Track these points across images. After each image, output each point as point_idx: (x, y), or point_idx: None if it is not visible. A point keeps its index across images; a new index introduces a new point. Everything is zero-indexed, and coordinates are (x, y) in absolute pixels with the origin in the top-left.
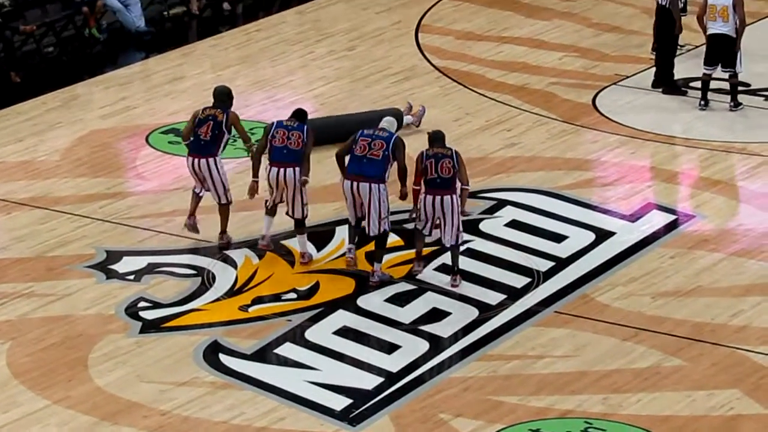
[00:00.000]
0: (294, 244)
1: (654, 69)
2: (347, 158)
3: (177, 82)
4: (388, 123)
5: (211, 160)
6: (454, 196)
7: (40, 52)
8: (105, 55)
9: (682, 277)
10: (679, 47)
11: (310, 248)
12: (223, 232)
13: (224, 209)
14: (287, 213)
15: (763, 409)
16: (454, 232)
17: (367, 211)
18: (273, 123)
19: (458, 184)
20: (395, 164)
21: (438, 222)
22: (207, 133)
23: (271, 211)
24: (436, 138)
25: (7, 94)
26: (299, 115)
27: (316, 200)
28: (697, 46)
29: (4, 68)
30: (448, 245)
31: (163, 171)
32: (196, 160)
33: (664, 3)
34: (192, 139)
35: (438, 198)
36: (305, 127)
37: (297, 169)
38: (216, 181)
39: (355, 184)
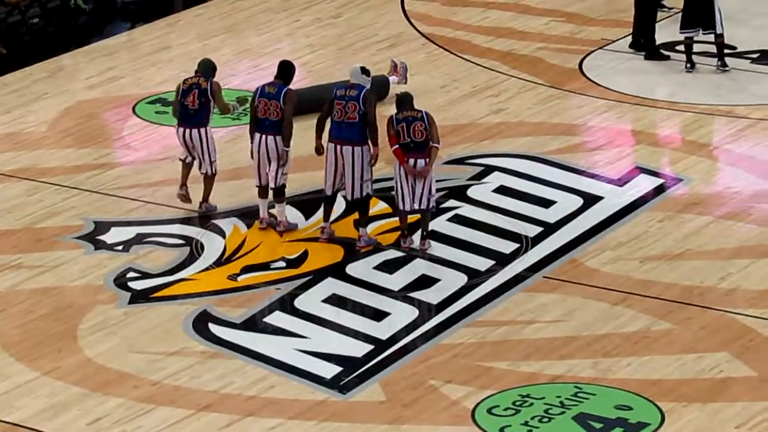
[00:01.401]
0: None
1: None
2: (328, 122)
3: (163, 51)
4: (354, 75)
5: (202, 130)
6: (428, 160)
7: (26, 24)
8: (91, 25)
9: (670, 240)
10: (667, 9)
11: (299, 218)
12: (205, 201)
13: (209, 180)
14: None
15: (752, 371)
16: (426, 195)
17: (349, 175)
18: (257, 89)
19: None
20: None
21: (412, 187)
22: (194, 102)
23: (263, 193)
24: (405, 100)
25: None
26: (282, 71)
27: (302, 169)
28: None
29: None
30: (419, 208)
31: (150, 141)
32: (187, 130)
33: None
34: (180, 109)
35: (411, 161)
36: (283, 93)
37: (278, 137)
38: (205, 151)
39: (339, 147)
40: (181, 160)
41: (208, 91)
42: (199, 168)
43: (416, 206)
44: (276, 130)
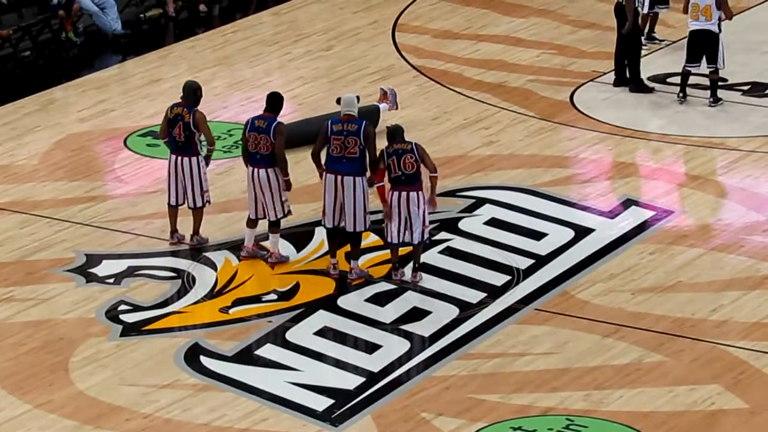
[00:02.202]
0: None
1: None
2: (323, 154)
3: (154, 84)
4: (347, 104)
5: (193, 159)
6: (420, 193)
7: (17, 56)
8: (82, 58)
9: (661, 272)
10: (659, 41)
11: (290, 250)
12: (195, 233)
13: (198, 212)
14: (266, 217)
15: (744, 404)
16: (420, 229)
17: (350, 206)
18: (247, 122)
19: (424, 179)
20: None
21: (405, 220)
22: (180, 135)
23: (251, 224)
24: (395, 133)
25: None
26: (271, 103)
27: (294, 201)
28: (674, 42)
29: None
30: (415, 242)
31: (141, 174)
32: (179, 158)
33: (621, 1)
34: (170, 138)
35: (404, 194)
36: (273, 126)
37: (269, 170)
38: (195, 181)
39: (339, 177)
40: (169, 205)
41: (191, 124)
42: (187, 204)
43: (407, 239)
44: (267, 163)
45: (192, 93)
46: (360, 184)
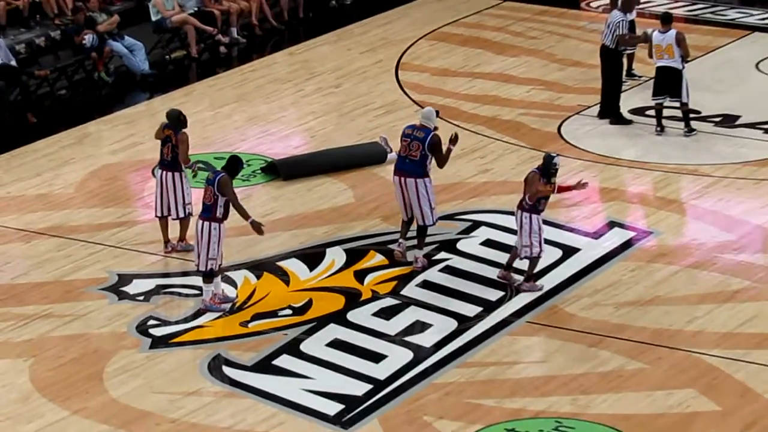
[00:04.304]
0: (288, 265)
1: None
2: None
3: None
4: (424, 115)
5: (176, 174)
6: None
7: (54, 95)
8: (113, 96)
9: (641, 288)
10: (637, 78)
11: (302, 268)
12: (181, 240)
13: (184, 221)
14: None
15: (717, 406)
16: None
17: (416, 203)
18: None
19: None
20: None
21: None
22: (168, 154)
23: (218, 272)
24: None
25: (24, 133)
26: (228, 163)
27: (306, 225)
28: (651, 78)
29: (21, 110)
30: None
31: None
32: (164, 173)
33: (608, 44)
34: (160, 155)
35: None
36: (216, 179)
37: (207, 224)
38: (178, 194)
39: (402, 179)
40: (157, 216)
41: (176, 145)
42: (171, 216)
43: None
44: (205, 214)
45: (174, 120)
46: (422, 185)
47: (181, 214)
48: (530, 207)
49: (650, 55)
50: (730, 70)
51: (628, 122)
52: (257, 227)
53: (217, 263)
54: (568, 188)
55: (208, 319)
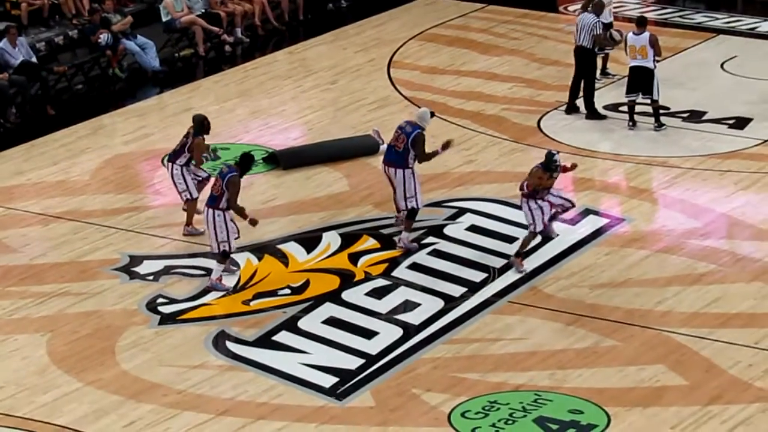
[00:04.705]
0: (287, 248)
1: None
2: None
3: (187, 112)
4: (418, 115)
5: (175, 166)
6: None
7: (71, 89)
8: (126, 90)
9: (614, 271)
10: (611, 76)
11: (300, 251)
12: (187, 225)
13: (190, 205)
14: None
15: (684, 381)
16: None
17: (400, 190)
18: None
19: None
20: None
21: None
22: (180, 145)
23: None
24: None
25: (44, 125)
26: (240, 161)
27: (304, 211)
28: (625, 77)
29: (41, 103)
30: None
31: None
32: (169, 164)
33: (581, 43)
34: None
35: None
36: (227, 178)
37: (212, 211)
38: (178, 184)
39: (387, 167)
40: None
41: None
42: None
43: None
44: (211, 203)
45: (198, 124)
46: (401, 174)
47: (189, 197)
48: (528, 194)
49: (626, 52)
50: (697, 69)
51: (603, 117)
52: (253, 222)
53: (228, 245)
54: (565, 169)
55: (213, 297)
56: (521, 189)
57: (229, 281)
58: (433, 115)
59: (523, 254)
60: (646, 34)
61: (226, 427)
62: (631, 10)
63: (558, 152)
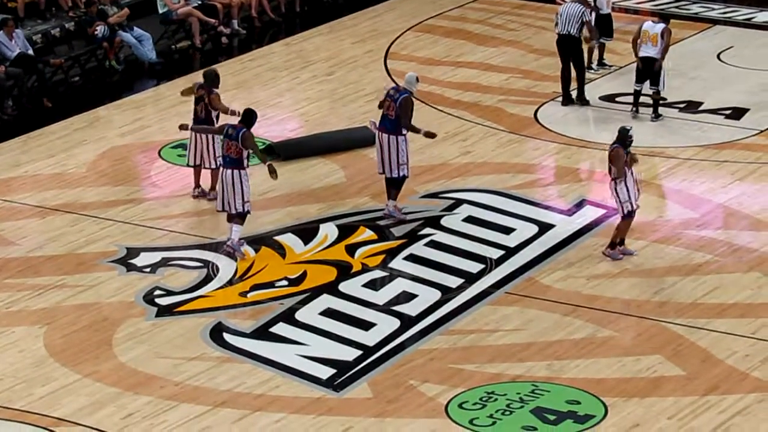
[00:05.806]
0: (285, 239)
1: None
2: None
3: (184, 104)
4: (406, 81)
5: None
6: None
7: (68, 82)
8: (122, 83)
9: (611, 261)
10: (608, 67)
11: (297, 242)
12: (213, 188)
13: (215, 171)
14: (226, 209)
15: (681, 371)
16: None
17: (387, 157)
18: (223, 129)
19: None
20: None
21: None
22: (202, 111)
23: (227, 218)
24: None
25: (40, 117)
26: (244, 117)
27: (301, 202)
28: (621, 67)
29: (37, 95)
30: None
31: (173, 180)
32: (192, 133)
33: (568, 32)
34: (193, 115)
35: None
36: (240, 133)
37: (234, 171)
38: (210, 147)
39: (379, 134)
40: (189, 165)
41: (209, 104)
42: (204, 165)
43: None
44: (233, 164)
45: (213, 77)
46: (394, 141)
47: (213, 165)
48: (617, 177)
49: (634, 44)
50: (694, 60)
51: (587, 103)
52: (273, 171)
53: (250, 204)
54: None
55: (210, 289)
56: (610, 174)
57: (227, 272)
58: (417, 79)
59: (620, 241)
60: (662, 25)
61: (223, 419)
62: (627, 1)
63: (631, 127)
